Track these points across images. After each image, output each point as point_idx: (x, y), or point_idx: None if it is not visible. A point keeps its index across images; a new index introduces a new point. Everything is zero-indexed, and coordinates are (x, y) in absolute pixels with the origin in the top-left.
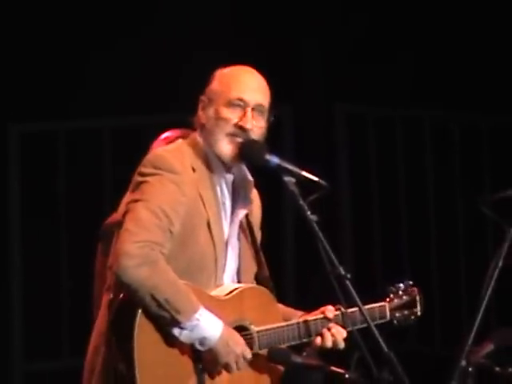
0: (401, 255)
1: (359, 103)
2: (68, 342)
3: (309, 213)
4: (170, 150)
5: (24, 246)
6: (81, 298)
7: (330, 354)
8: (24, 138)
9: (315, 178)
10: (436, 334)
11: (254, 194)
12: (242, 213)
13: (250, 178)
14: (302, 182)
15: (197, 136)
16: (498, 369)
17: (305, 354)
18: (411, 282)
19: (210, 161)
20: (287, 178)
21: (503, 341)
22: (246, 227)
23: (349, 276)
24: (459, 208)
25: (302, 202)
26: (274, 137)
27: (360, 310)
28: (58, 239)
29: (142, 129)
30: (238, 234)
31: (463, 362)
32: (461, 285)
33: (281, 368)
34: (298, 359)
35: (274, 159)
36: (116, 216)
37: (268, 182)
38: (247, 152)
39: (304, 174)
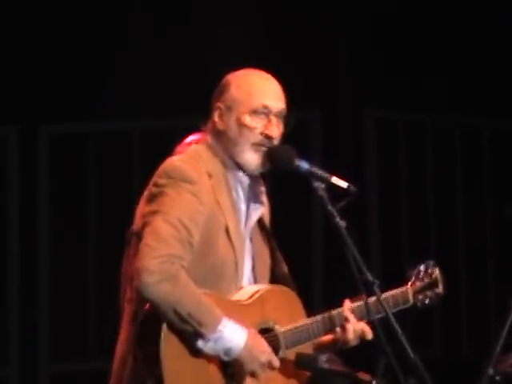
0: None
1: (389, 108)
2: (95, 344)
3: (338, 219)
4: (185, 159)
5: (52, 247)
6: (108, 300)
7: (357, 360)
8: (53, 139)
9: (344, 184)
10: (463, 341)
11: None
12: (255, 216)
13: (261, 180)
14: (331, 188)
15: (209, 140)
16: None
17: (326, 357)
18: (432, 263)
19: (226, 166)
20: (317, 184)
21: None
22: (258, 227)
23: (377, 282)
24: (488, 215)
25: (330, 207)
26: (303, 142)
27: (388, 316)
28: (86, 241)
29: (172, 131)
30: (250, 236)
31: (490, 371)
32: (489, 291)
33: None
34: (325, 365)
35: (304, 164)
36: (134, 225)
37: (296, 187)
38: (276, 158)
39: (333, 179)
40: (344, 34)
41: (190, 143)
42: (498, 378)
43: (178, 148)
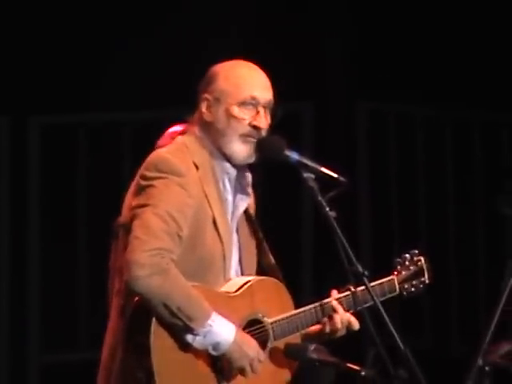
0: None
1: (380, 101)
2: (85, 335)
3: (327, 209)
4: (172, 151)
5: (42, 238)
6: (98, 290)
7: (346, 351)
8: (44, 130)
9: (334, 175)
10: (453, 332)
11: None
12: (242, 206)
13: (248, 171)
14: (322, 178)
15: (196, 131)
16: None
17: (314, 347)
18: (417, 251)
19: (213, 157)
20: (306, 174)
21: None
22: (244, 218)
23: (366, 273)
24: (478, 208)
25: (320, 198)
26: (295, 134)
27: (378, 308)
28: (76, 232)
29: (162, 123)
30: (236, 227)
31: (480, 362)
32: (479, 284)
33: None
34: (314, 355)
35: (294, 155)
36: (121, 217)
37: (287, 178)
38: (267, 148)
39: (323, 170)
40: (336, 26)
41: (173, 135)
42: (487, 368)
43: (162, 140)
